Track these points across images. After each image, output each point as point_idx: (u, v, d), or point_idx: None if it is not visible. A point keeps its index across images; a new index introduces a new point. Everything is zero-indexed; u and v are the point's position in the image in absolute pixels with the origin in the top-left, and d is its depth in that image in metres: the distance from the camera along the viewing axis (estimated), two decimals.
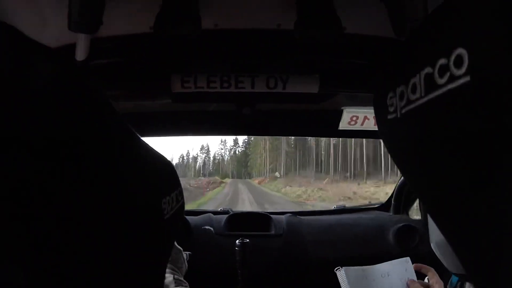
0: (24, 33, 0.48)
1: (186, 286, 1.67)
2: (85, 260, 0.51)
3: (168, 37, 1.57)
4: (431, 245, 1.14)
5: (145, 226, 0.65)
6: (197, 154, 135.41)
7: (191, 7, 1.55)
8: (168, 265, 1.75)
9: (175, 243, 1.90)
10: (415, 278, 1.72)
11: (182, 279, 1.70)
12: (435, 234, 1.11)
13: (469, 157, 0.43)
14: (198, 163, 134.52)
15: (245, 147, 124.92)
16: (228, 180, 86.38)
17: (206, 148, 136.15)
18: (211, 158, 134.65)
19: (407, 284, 1.69)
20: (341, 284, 1.74)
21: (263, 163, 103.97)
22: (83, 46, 1.66)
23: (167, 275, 1.68)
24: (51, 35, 1.67)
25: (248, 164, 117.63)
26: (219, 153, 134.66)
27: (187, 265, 1.91)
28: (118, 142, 0.61)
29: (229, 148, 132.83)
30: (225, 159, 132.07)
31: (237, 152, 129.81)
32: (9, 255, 0.44)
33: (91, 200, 0.51)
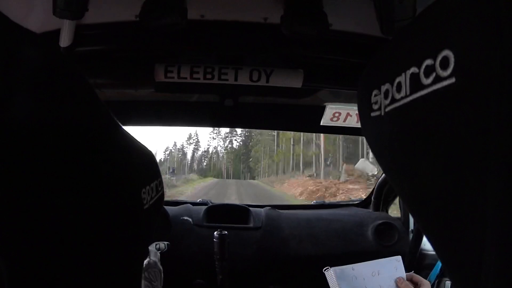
0: (9, 18, 0.47)
1: None
2: (64, 249, 0.50)
3: (153, 27, 1.55)
4: None
5: (125, 215, 0.65)
6: (182, 145, 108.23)
7: None
8: (145, 281, 1.76)
9: (158, 263, 1.90)
10: (405, 277, 1.71)
11: None
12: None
13: (451, 157, 0.44)
14: (187, 157, 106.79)
15: (245, 136, 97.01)
16: (208, 181, 60.29)
17: (194, 138, 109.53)
18: (201, 151, 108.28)
19: (395, 282, 1.69)
20: (330, 285, 1.74)
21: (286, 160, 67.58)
22: (67, 33, 1.65)
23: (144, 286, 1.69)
24: (35, 21, 1.65)
25: (251, 159, 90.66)
26: (210, 144, 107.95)
27: (161, 284, 1.91)
28: (100, 130, 0.61)
29: (223, 136, 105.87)
30: (220, 152, 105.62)
31: (233, 142, 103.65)
32: None
33: (69, 188, 0.51)
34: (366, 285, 1.71)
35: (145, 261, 1.81)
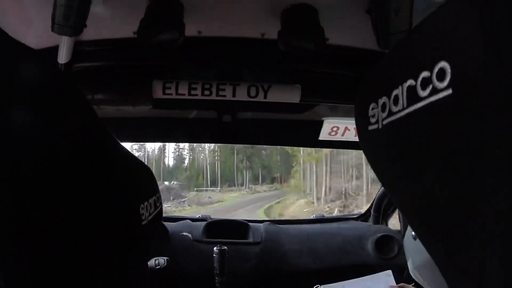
0: (8, 34, 0.48)
1: None
2: (62, 263, 0.50)
3: (151, 43, 1.56)
4: (409, 269, 1.12)
5: (123, 231, 0.65)
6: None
7: (175, 13, 1.56)
8: None
9: None
10: None
11: None
12: (413, 257, 1.09)
13: (449, 168, 0.44)
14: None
15: None
16: None
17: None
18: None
19: None
20: None
21: None
22: (66, 49, 1.65)
23: None
24: (34, 37, 1.66)
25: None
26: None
27: None
28: (98, 146, 0.61)
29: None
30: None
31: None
32: None
33: (68, 203, 0.51)
34: None
35: None
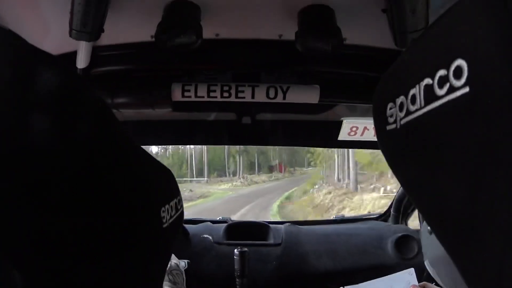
0: (26, 41, 0.48)
1: None
2: (83, 267, 0.51)
3: (169, 46, 1.57)
4: (425, 262, 1.11)
5: (144, 234, 0.65)
6: None
7: (193, 16, 1.56)
8: (169, 283, 1.75)
9: (178, 265, 1.90)
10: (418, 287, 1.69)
11: None
12: (429, 252, 1.08)
13: (468, 168, 0.43)
14: None
15: None
16: None
17: None
18: None
19: None
20: None
21: None
22: (84, 54, 1.67)
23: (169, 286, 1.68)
24: (52, 43, 1.67)
25: None
26: None
27: (184, 285, 1.90)
28: (118, 151, 0.61)
29: None
30: None
31: None
32: (9, 257, 0.44)
33: (90, 208, 0.51)
34: None
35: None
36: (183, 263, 2.28)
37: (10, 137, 0.43)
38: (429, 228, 0.97)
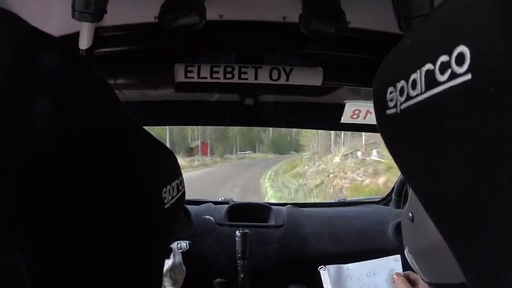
0: (29, 22, 0.48)
1: None
2: (86, 248, 0.51)
3: (172, 28, 1.56)
4: (405, 251, 1.10)
5: (146, 215, 0.66)
6: None
7: None
8: (169, 279, 1.77)
9: (182, 264, 1.91)
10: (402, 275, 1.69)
11: None
12: (408, 240, 1.07)
13: (467, 156, 0.43)
14: None
15: None
16: None
17: None
18: None
19: (392, 278, 1.67)
20: (324, 284, 1.72)
21: None
22: (87, 35, 1.67)
23: (166, 284, 1.70)
24: (54, 24, 1.67)
25: None
26: None
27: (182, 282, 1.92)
28: (121, 131, 0.61)
29: None
30: None
31: None
32: (10, 239, 0.44)
33: (92, 187, 0.51)
34: (361, 285, 1.70)
35: (170, 262, 1.82)
36: (184, 244, 2.29)
37: (13, 120, 0.44)
38: (410, 215, 0.96)
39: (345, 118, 2.39)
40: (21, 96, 0.44)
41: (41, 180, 0.45)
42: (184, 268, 1.91)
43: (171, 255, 1.88)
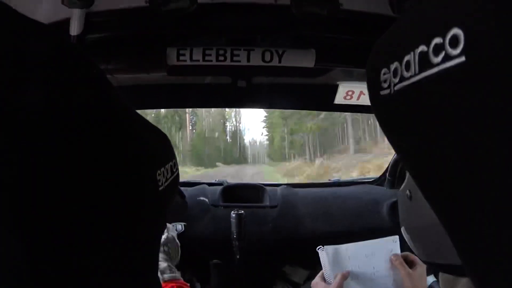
0: (18, 10, 0.48)
1: (178, 273, 1.69)
2: (80, 230, 0.52)
3: (163, 11, 1.56)
4: (402, 230, 1.09)
5: (140, 197, 0.66)
6: None
7: None
8: (163, 255, 1.77)
9: (176, 239, 1.91)
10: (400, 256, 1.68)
11: (174, 267, 1.72)
12: (406, 218, 1.07)
13: (464, 138, 0.43)
14: None
15: None
16: None
17: None
18: None
19: (390, 259, 1.66)
20: (322, 265, 1.72)
21: None
22: (77, 21, 1.66)
23: (161, 262, 1.70)
24: (45, 11, 1.66)
25: None
26: None
27: (179, 258, 1.92)
28: (114, 115, 0.61)
29: None
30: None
31: None
32: (7, 224, 0.45)
33: (86, 171, 0.52)
34: (359, 266, 1.70)
35: (164, 236, 1.83)
36: (180, 226, 2.30)
37: (3, 108, 0.44)
38: (408, 193, 0.96)
39: (338, 99, 2.39)
40: (11, 84, 0.45)
41: (37, 169, 0.46)
42: (178, 242, 1.92)
43: (165, 230, 1.88)
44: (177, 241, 1.92)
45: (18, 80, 0.45)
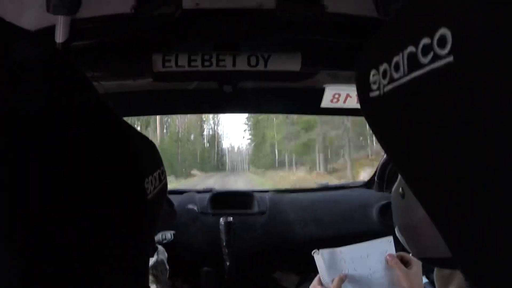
0: (2, 18, 0.48)
1: None
2: (68, 241, 0.51)
3: (149, 17, 1.55)
4: (395, 229, 1.10)
5: (128, 206, 0.66)
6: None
7: None
8: (152, 277, 1.77)
9: (165, 263, 1.91)
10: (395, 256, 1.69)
11: None
12: (399, 217, 1.07)
13: (453, 137, 0.43)
14: None
15: None
16: None
17: None
18: None
19: (386, 259, 1.67)
20: (318, 268, 1.72)
21: None
22: (63, 28, 1.65)
23: (150, 282, 1.70)
24: (30, 18, 1.65)
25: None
26: None
27: (167, 280, 1.92)
28: (100, 123, 0.61)
29: None
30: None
31: None
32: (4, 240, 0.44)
33: (72, 180, 0.51)
34: (355, 268, 1.70)
35: (153, 259, 1.82)
36: (169, 235, 2.29)
37: None
38: (401, 191, 0.96)
39: (325, 103, 2.40)
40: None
41: (22, 173, 0.45)
42: (167, 267, 1.91)
43: (155, 253, 1.88)
44: (167, 266, 1.92)
45: (4, 87, 0.44)
